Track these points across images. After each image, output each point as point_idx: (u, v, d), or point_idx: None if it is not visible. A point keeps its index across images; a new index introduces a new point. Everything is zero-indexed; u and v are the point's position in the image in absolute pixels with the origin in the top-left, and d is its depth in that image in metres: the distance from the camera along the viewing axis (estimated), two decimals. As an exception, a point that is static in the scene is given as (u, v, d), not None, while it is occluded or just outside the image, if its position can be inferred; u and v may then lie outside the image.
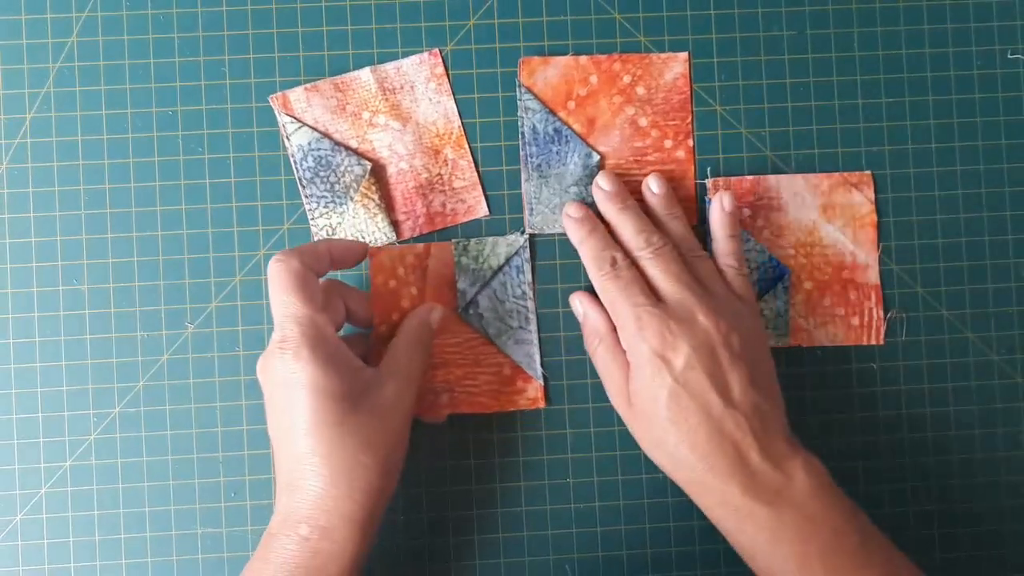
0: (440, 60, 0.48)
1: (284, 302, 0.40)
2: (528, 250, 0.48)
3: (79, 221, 0.47)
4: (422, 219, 0.48)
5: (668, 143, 0.48)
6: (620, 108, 0.48)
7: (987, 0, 0.49)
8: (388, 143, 0.48)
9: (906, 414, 0.49)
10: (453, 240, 0.48)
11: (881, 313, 0.48)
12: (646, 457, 0.47)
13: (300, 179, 0.47)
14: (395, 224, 0.48)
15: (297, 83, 0.48)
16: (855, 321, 0.48)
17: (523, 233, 0.48)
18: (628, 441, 0.48)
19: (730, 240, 0.46)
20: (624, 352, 0.43)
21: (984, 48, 0.49)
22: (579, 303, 0.46)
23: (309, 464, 0.39)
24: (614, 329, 0.44)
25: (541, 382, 0.48)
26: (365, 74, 0.48)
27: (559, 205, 0.48)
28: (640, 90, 0.48)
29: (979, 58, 0.49)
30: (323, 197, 0.47)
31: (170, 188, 0.47)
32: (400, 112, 0.48)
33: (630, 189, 0.47)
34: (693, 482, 0.42)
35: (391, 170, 0.48)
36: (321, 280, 0.42)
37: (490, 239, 0.48)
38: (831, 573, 0.40)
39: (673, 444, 0.41)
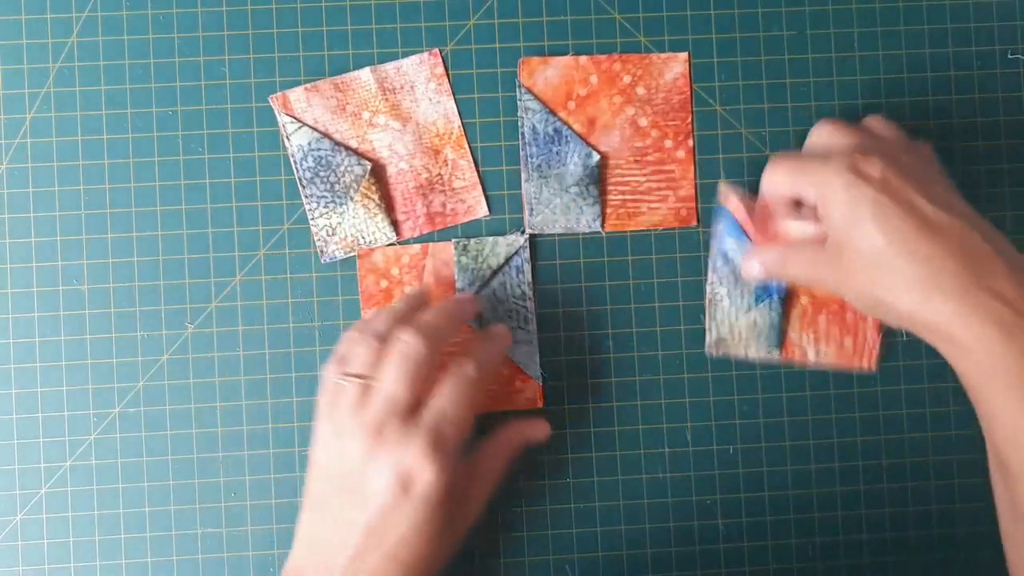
0: (440, 60, 0.48)
1: (455, 404, 0.40)
2: (528, 250, 0.48)
3: (79, 221, 0.47)
4: (422, 219, 0.48)
5: (668, 143, 0.48)
6: (620, 108, 0.48)
7: (987, 0, 0.49)
8: (388, 143, 0.48)
9: (906, 414, 0.49)
10: (453, 239, 0.48)
11: (876, 337, 0.48)
12: (646, 457, 0.48)
13: (300, 179, 0.47)
14: (395, 224, 0.48)
15: (297, 83, 0.48)
16: (848, 343, 0.48)
17: (523, 233, 0.48)
18: (628, 441, 0.48)
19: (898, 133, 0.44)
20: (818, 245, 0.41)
21: (984, 48, 0.49)
22: (756, 265, 0.44)
23: (388, 561, 0.38)
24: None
25: (540, 383, 0.48)
26: (365, 74, 0.48)
27: (559, 205, 0.48)
28: (640, 90, 0.48)
29: (979, 58, 0.49)
30: (323, 197, 0.47)
31: (170, 188, 0.47)
32: (400, 112, 0.48)
33: (630, 188, 0.47)
34: (917, 298, 0.37)
35: (391, 170, 0.48)
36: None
37: (490, 239, 0.48)
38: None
39: (888, 259, 0.37)
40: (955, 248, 0.37)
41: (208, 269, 0.47)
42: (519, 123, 0.48)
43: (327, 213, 0.47)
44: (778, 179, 0.42)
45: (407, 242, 0.48)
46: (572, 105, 0.48)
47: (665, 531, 0.48)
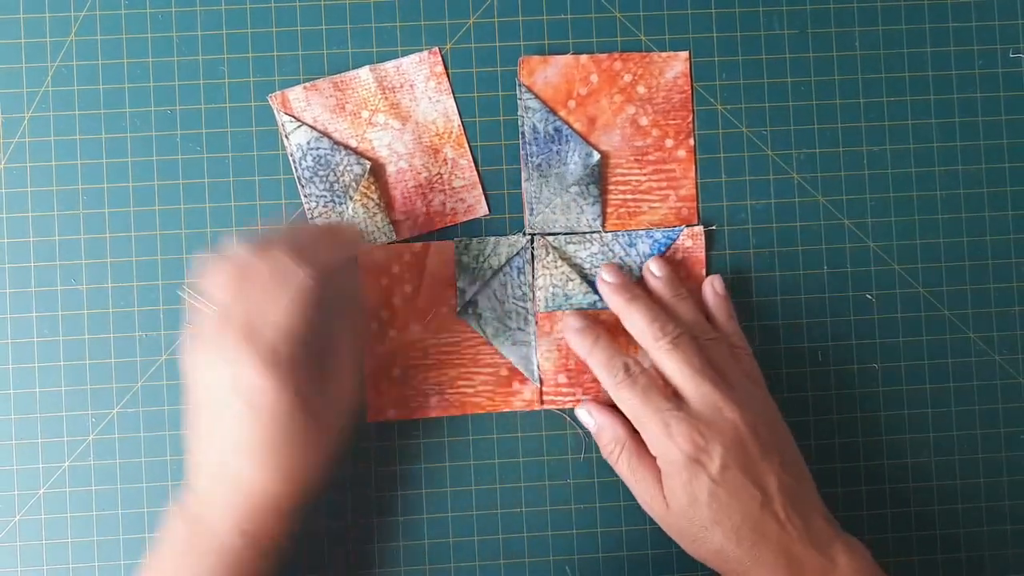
0: (440, 59, 0.48)
1: (282, 308, 0.38)
2: (530, 251, 0.47)
3: (77, 221, 0.47)
4: (421, 218, 0.48)
5: (669, 142, 0.48)
6: (621, 107, 0.48)
7: (989, -1, 0.49)
8: (387, 142, 0.48)
9: (907, 414, 0.48)
10: (455, 239, 0.47)
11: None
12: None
13: (299, 178, 0.47)
14: (394, 224, 0.48)
15: (296, 82, 0.47)
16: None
17: (525, 234, 0.48)
18: (628, 441, 0.48)
19: (730, 321, 0.46)
20: (650, 455, 0.43)
21: (986, 47, 0.49)
22: (588, 413, 0.46)
23: (258, 464, 0.39)
24: (634, 433, 0.44)
25: (538, 384, 0.47)
26: (364, 73, 0.47)
27: (559, 204, 0.47)
28: (641, 89, 0.48)
29: (981, 57, 0.49)
30: (322, 196, 0.47)
31: (169, 187, 0.47)
32: (400, 111, 0.48)
33: (631, 187, 0.47)
34: (739, 573, 0.42)
35: (390, 169, 0.48)
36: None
37: (492, 239, 0.47)
38: None
39: (718, 542, 0.41)
40: (772, 539, 0.41)
41: (207, 269, 0.47)
42: (519, 122, 0.48)
43: (326, 212, 0.47)
44: (621, 395, 0.43)
45: (407, 241, 0.48)
46: (572, 104, 0.48)
47: (665, 531, 0.48)
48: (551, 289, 0.47)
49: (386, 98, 0.48)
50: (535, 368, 0.47)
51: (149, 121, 0.47)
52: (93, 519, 0.47)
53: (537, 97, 0.48)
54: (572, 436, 0.48)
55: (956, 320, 0.49)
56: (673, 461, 0.42)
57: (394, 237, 0.47)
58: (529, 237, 0.47)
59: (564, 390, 0.47)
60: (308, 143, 0.47)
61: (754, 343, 0.47)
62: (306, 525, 0.46)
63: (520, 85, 0.48)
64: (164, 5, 0.47)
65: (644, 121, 0.48)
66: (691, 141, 0.48)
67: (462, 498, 0.47)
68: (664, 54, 0.48)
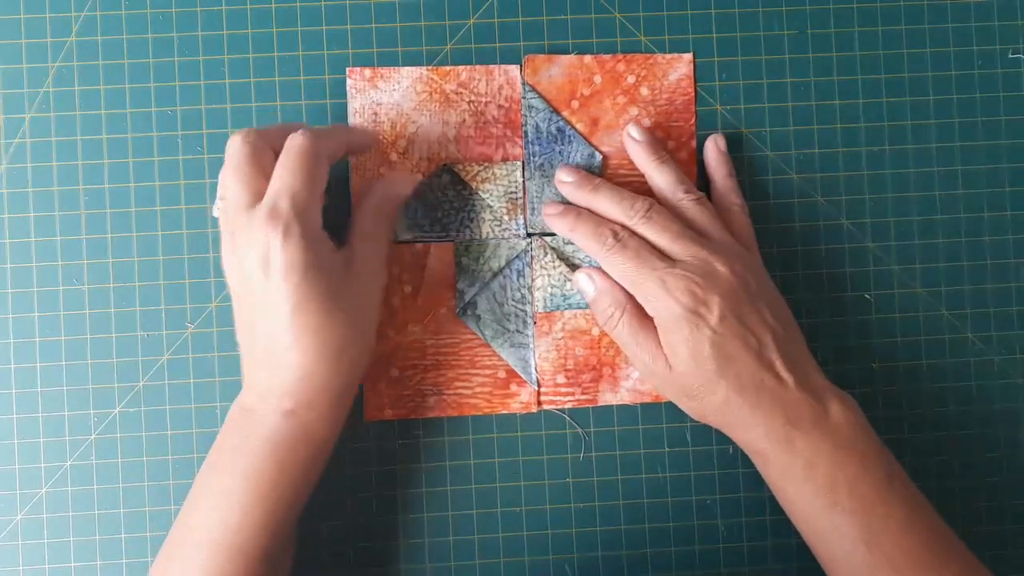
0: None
1: (289, 175, 0.40)
2: (530, 254, 0.47)
3: (79, 221, 0.47)
4: (422, 219, 0.48)
5: (671, 144, 0.48)
6: (624, 109, 0.48)
7: (988, -1, 0.49)
8: (388, 143, 0.48)
9: (907, 414, 0.49)
10: (455, 240, 0.48)
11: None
12: (645, 457, 0.48)
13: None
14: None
15: (296, 82, 0.47)
16: None
17: (527, 235, 0.48)
18: (627, 442, 0.48)
19: (728, 179, 0.47)
20: (648, 318, 0.43)
21: (985, 47, 0.49)
22: (587, 278, 0.45)
23: (297, 341, 0.40)
24: (631, 298, 0.44)
25: (535, 387, 0.48)
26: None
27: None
28: (644, 91, 0.48)
29: (980, 57, 0.49)
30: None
31: (170, 188, 0.47)
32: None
33: (632, 189, 0.47)
34: (737, 423, 0.43)
35: (391, 170, 0.48)
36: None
37: (492, 240, 0.47)
38: (856, 500, 0.41)
39: (722, 394, 0.42)
40: (770, 384, 0.42)
41: (208, 268, 0.47)
42: (522, 121, 0.48)
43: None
44: (613, 260, 0.44)
45: (407, 241, 0.48)
46: (576, 104, 0.48)
47: (665, 531, 0.48)
48: (549, 290, 0.47)
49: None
50: (533, 371, 0.47)
51: (150, 121, 0.47)
52: (95, 518, 0.47)
53: (541, 97, 0.48)
54: (572, 435, 0.48)
55: (954, 320, 0.49)
56: (673, 317, 0.42)
57: (394, 237, 0.47)
58: (529, 240, 0.47)
59: (563, 390, 0.48)
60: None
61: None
62: (306, 525, 0.46)
63: (524, 84, 0.48)
64: (164, 5, 0.47)
65: (647, 123, 0.48)
66: (693, 143, 0.48)
67: (462, 497, 0.48)
68: (668, 56, 0.48)
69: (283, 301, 0.39)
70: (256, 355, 0.41)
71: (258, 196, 0.40)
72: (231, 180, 0.40)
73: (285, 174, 0.40)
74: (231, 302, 0.42)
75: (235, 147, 0.41)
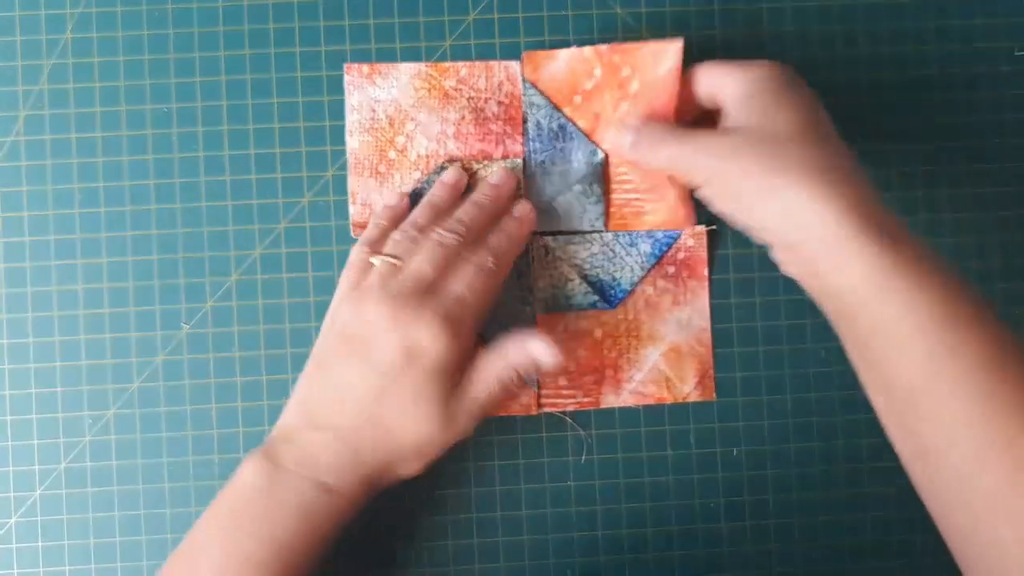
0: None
1: (482, 287, 0.41)
2: (531, 254, 0.47)
3: (73, 220, 0.47)
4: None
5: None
6: (618, 103, 0.47)
7: (994, -4, 0.49)
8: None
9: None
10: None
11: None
12: (648, 460, 0.47)
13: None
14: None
15: (293, 79, 0.47)
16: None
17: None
18: (629, 444, 0.47)
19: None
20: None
21: (991, 45, 0.49)
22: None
23: (389, 433, 0.40)
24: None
25: (535, 388, 0.47)
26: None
27: (562, 203, 0.47)
28: (635, 84, 0.47)
29: (986, 55, 0.49)
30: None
31: (165, 186, 0.47)
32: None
33: (633, 186, 0.46)
34: (812, 224, 0.38)
35: (389, 168, 0.47)
36: None
37: (492, 239, 0.47)
38: (939, 325, 0.36)
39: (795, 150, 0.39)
40: (846, 190, 0.38)
41: (204, 269, 0.47)
42: (524, 118, 0.47)
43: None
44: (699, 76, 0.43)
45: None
46: (578, 100, 0.47)
47: (668, 535, 0.47)
48: (551, 291, 0.47)
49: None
50: (533, 372, 0.47)
51: (145, 119, 0.47)
52: (89, 521, 0.46)
53: (542, 93, 0.47)
54: (573, 438, 0.47)
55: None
56: (753, 69, 0.42)
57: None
58: (529, 240, 0.47)
59: (564, 392, 0.47)
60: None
61: (757, 344, 0.47)
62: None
63: (524, 81, 0.47)
64: (160, 2, 0.47)
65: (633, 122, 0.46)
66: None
67: (462, 500, 0.47)
68: (653, 44, 0.45)
69: (402, 391, 0.39)
70: (323, 409, 0.40)
71: (437, 287, 0.41)
72: (424, 261, 0.41)
73: (477, 285, 0.41)
74: (324, 317, 0.43)
75: (447, 238, 0.41)
